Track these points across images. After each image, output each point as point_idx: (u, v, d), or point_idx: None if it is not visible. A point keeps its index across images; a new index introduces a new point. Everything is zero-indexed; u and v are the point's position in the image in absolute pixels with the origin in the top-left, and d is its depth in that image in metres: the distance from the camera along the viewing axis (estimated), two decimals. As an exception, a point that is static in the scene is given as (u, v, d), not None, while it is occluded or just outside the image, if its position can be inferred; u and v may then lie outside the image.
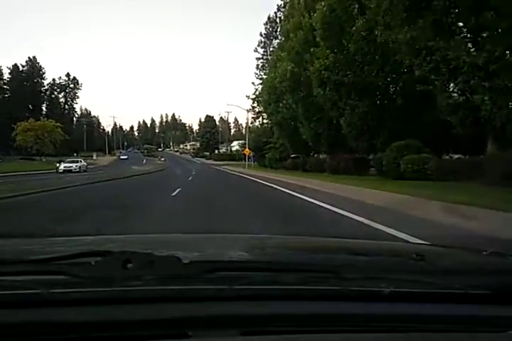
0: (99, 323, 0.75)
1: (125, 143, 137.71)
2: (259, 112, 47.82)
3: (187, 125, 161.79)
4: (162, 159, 78.46)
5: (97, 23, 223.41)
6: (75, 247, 1.32)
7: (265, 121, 47.52)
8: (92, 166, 49.40)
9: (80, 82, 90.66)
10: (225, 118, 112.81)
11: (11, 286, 0.80)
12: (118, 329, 0.75)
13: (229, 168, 44.67)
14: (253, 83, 54.46)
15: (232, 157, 72.10)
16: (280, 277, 0.85)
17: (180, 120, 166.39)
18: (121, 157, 78.43)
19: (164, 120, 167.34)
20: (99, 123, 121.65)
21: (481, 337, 0.81)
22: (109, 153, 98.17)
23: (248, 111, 46.20)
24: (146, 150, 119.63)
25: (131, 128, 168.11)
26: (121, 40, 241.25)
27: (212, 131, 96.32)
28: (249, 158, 49.93)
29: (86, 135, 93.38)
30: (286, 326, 0.78)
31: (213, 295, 0.81)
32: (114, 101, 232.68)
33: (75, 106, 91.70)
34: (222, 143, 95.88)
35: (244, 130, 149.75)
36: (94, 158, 67.34)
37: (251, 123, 47.77)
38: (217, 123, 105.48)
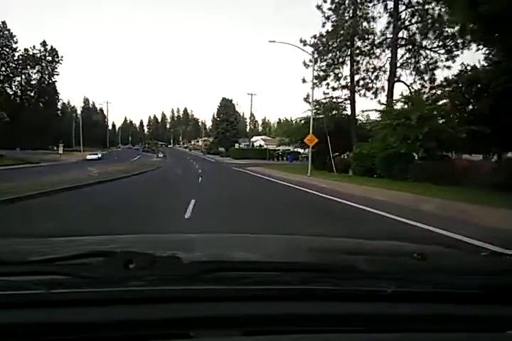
0: (101, 323, 0.75)
1: (129, 138, 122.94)
2: (330, 65, 25.06)
3: (200, 121, 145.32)
4: (160, 155, 60.20)
5: (109, 13, 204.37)
6: (77, 247, 1.30)
7: (342, 82, 25.21)
8: (39, 164, 32.82)
9: (60, 55, 69.42)
10: (249, 104, 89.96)
11: (14, 286, 0.79)
12: (120, 330, 0.74)
13: (272, 173, 22.66)
14: (321, 8, 25.62)
15: (260, 154, 50.23)
16: (281, 277, 0.85)
17: (193, 115, 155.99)
18: (88, 157, 47.50)
19: (176, 115, 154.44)
20: (105, 117, 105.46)
21: (481, 337, 0.80)
22: (107, 147, 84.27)
23: (312, 60, 23.20)
24: (146, 146, 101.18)
25: (141, 123, 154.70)
26: (134, 32, 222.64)
27: (231, 120, 69.96)
28: (282, 156, 29.01)
29: (75, 127, 73.90)
30: (288, 326, 0.77)
31: (214, 296, 0.80)
32: (123, 95, 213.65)
33: (55, 84, 70.05)
34: (239, 137, 72.18)
35: (261, 126, 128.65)
36: (60, 152, 46.97)
37: (312, 87, 24.29)
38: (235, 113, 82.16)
